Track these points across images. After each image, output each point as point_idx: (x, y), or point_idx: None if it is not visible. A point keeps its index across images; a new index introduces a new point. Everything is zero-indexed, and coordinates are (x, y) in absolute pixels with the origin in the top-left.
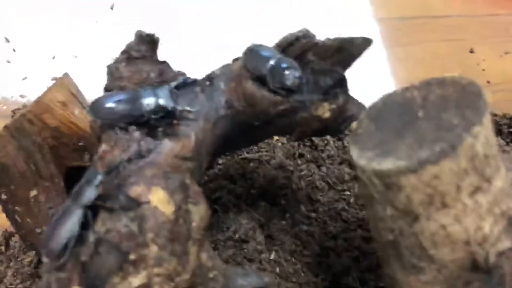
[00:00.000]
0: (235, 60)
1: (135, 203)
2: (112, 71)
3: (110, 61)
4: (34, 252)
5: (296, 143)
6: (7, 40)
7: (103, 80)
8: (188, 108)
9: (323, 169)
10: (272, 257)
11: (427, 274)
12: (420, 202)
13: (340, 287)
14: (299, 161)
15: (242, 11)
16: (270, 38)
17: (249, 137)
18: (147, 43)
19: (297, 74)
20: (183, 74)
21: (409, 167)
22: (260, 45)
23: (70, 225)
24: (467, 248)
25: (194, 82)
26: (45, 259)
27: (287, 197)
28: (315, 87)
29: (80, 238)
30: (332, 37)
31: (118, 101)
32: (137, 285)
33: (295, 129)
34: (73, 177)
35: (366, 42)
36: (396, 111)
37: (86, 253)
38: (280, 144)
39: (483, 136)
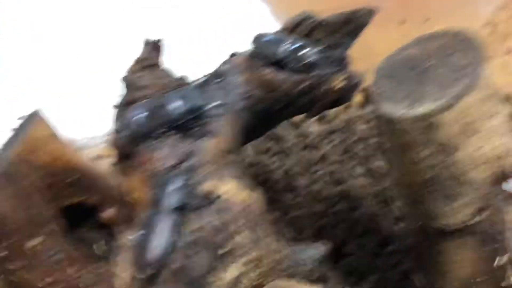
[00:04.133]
0: (233, 55)
1: (210, 199)
2: (132, 81)
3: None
4: None
5: (261, 140)
6: None
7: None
8: (219, 102)
9: (292, 157)
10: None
11: (464, 197)
12: (458, 133)
13: (344, 256)
14: (268, 155)
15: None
16: None
17: (268, 124)
18: (156, 49)
19: (315, 49)
20: (185, 77)
21: (445, 105)
22: (266, 33)
23: (166, 232)
24: (498, 162)
25: (207, 80)
26: (140, 276)
27: (272, 189)
28: (330, 60)
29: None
30: None
31: (147, 111)
32: (230, 279)
33: (313, 106)
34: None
35: (369, 12)
36: (405, 66)
37: (178, 260)
38: None
39: (490, 70)
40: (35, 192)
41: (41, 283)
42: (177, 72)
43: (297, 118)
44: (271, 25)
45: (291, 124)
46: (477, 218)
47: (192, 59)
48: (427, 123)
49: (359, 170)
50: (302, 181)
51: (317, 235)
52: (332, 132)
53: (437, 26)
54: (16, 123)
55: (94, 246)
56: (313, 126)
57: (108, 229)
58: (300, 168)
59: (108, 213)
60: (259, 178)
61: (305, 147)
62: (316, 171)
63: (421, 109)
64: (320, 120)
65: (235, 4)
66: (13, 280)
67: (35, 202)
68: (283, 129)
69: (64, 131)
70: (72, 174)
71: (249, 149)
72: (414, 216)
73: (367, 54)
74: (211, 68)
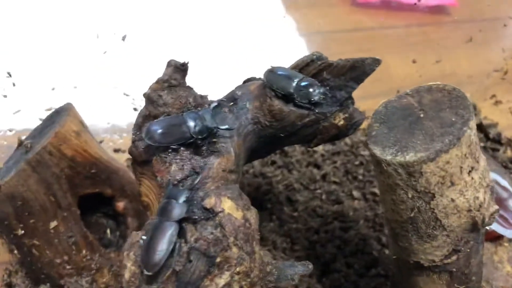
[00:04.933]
0: (246, 81)
1: (212, 213)
2: (154, 99)
3: (111, 91)
4: (48, 284)
5: None
6: (9, 74)
7: (102, 109)
8: (227, 126)
9: (294, 172)
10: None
11: (438, 239)
12: (435, 183)
13: (331, 272)
14: (272, 168)
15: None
16: None
17: (272, 147)
18: (181, 71)
19: (322, 90)
20: (206, 96)
21: (428, 157)
22: (279, 67)
23: (168, 239)
24: (469, 214)
25: (221, 103)
26: (146, 273)
27: (271, 201)
28: (333, 100)
29: (175, 250)
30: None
31: (170, 126)
32: (222, 285)
33: (315, 137)
34: (83, 204)
35: (375, 61)
36: (399, 114)
37: (180, 263)
38: None
39: (474, 128)
40: (57, 181)
41: (59, 259)
42: (203, 89)
43: None
44: (296, 42)
45: None
46: (454, 258)
47: (220, 74)
48: (410, 170)
49: (356, 193)
50: (301, 197)
51: (309, 249)
52: (336, 153)
53: (448, 68)
54: (46, 114)
55: (108, 231)
56: (319, 146)
57: (121, 218)
58: (301, 184)
59: (121, 204)
60: (261, 189)
61: (308, 165)
62: (316, 188)
63: (405, 157)
64: None
65: (261, 20)
66: (34, 254)
67: (56, 190)
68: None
69: (90, 121)
70: (91, 168)
71: (255, 161)
72: (394, 248)
73: (387, 77)
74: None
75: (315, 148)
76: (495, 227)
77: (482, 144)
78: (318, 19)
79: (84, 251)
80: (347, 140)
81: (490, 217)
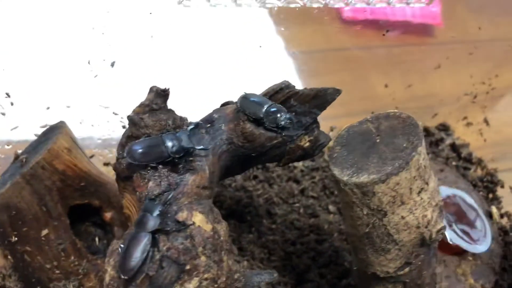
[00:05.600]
0: (224, 104)
1: (183, 226)
2: (136, 121)
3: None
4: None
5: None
6: (7, 95)
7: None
8: (202, 147)
9: (275, 186)
10: (245, 265)
11: (391, 253)
12: (387, 202)
13: (305, 282)
14: (254, 182)
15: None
16: None
17: (245, 165)
18: (162, 96)
19: (288, 115)
20: (185, 118)
21: (380, 179)
22: (252, 94)
23: (142, 248)
24: (418, 230)
25: (198, 125)
26: (122, 277)
27: (251, 213)
28: (299, 125)
29: (148, 258)
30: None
31: (149, 146)
32: None
33: (283, 157)
34: (73, 213)
35: (336, 91)
36: (359, 138)
37: (153, 269)
38: None
39: (423, 153)
40: (49, 193)
41: (49, 265)
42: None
43: None
44: (284, 60)
45: None
46: (406, 269)
47: (205, 94)
48: (364, 190)
49: (332, 207)
50: (280, 210)
51: (285, 260)
52: (315, 169)
53: (418, 92)
54: (41, 131)
55: (96, 239)
56: (299, 162)
57: (108, 227)
58: (280, 198)
59: (109, 215)
60: (242, 202)
61: (288, 180)
62: (294, 202)
63: (360, 178)
64: None
65: (249, 38)
66: (25, 259)
67: (48, 201)
68: None
69: (82, 137)
70: (80, 181)
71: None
72: (355, 260)
73: (372, 96)
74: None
75: (295, 164)
76: (460, 242)
77: (454, 163)
78: (306, 37)
79: (72, 257)
80: (326, 157)
81: (437, 233)
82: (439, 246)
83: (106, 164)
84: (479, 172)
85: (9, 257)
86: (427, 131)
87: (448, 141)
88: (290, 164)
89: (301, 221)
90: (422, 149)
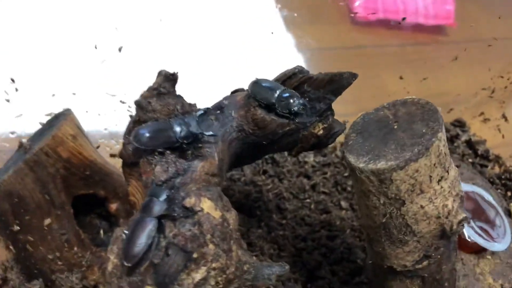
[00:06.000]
0: (234, 91)
1: (191, 212)
2: (144, 105)
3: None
4: (40, 280)
5: (260, 162)
6: (12, 80)
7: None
8: (212, 133)
9: (285, 182)
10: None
11: (410, 245)
12: (405, 190)
13: (315, 279)
14: (264, 177)
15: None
16: None
17: (256, 154)
18: (170, 80)
19: (301, 101)
20: (194, 105)
21: (398, 165)
22: (263, 79)
23: (147, 233)
24: (438, 221)
25: (207, 111)
26: (126, 264)
27: (261, 208)
28: (313, 111)
29: (153, 244)
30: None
31: (157, 131)
32: (199, 279)
33: (295, 146)
34: (76, 203)
35: (352, 75)
36: (375, 125)
37: (158, 256)
38: None
39: (443, 139)
40: (52, 180)
41: (52, 255)
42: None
43: None
44: (294, 58)
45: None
46: (425, 263)
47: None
48: (381, 177)
49: (344, 203)
50: (290, 206)
51: (295, 256)
52: (326, 165)
53: (432, 87)
54: (46, 119)
55: (101, 232)
56: (309, 157)
57: (113, 219)
58: (291, 193)
59: (114, 206)
60: (251, 197)
61: (299, 175)
62: (305, 198)
63: (377, 165)
64: (317, 152)
65: (260, 36)
66: (27, 249)
67: (51, 189)
68: (281, 155)
69: (88, 126)
70: (85, 169)
71: (247, 169)
72: (370, 253)
73: (384, 93)
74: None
75: (306, 159)
76: (478, 239)
77: (470, 161)
78: (317, 35)
79: (75, 248)
80: (338, 152)
81: (458, 224)
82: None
83: (112, 156)
84: (497, 169)
85: (11, 247)
86: None
87: (464, 137)
88: (301, 159)
89: (312, 217)
90: (442, 135)
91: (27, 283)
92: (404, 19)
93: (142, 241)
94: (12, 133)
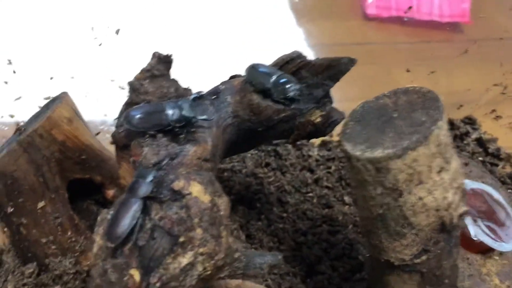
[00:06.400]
0: (232, 77)
1: (179, 195)
2: (136, 87)
3: (107, 82)
4: (34, 263)
5: (262, 154)
6: (9, 62)
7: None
8: (205, 117)
9: (288, 175)
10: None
11: (407, 238)
12: (403, 180)
13: (315, 274)
14: (266, 169)
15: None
16: None
17: (252, 141)
18: (164, 62)
19: (298, 87)
20: (189, 89)
21: (395, 154)
22: (260, 64)
23: (132, 214)
24: (437, 213)
25: (202, 96)
26: (109, 245)
27: (261, 200)
28: (310, 97)
29: (137, 225)
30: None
31: (149, 113)
32: (185, 264)
33: (292, 133)
34: (73, 189)
35: (350, 61)
36: (374, 114)
37: (143, 239)
38: (249, 155)
39: (444, 129)
40: (47, 163)
41: (45, 239)
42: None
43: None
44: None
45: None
46: (423, 257)
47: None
48: (378, 166)
49: (348, 199)
50: (292, 199)
51: (295, 250)
52: (330, 159)
53: (442, 83)
54: (45, 102)
55: (98, 218)
56: (314, 151)
57: (110, 206)
58: (293, 187)
59: (111, 192)
60: (251, 189)
61: (302, 169)
62: (308, 192)
63: (374, 153)
64: (321, 146)
65: (271, 29)
66: (21, 232)
67: (45, 171)
68: (285, 148)
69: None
70: (81, 154)
71: (249, 161)
72: (368, 247)
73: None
74: None
75: (310, 153)
76: (485, 239)
77: (481, 159)
78: (328, 31)
79: (69, 233)
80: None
81: (458, 218)
82: (462, 243)
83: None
84: (508, 168)
85: (5, 229)
86: (451, 124)
87: (474, 135)
88: (305, 153)
89: (314, 211)
90: (443, 124)
91: (22, 266)
92: (410, 8)
93: (125, 222)
94: (12, 116)
